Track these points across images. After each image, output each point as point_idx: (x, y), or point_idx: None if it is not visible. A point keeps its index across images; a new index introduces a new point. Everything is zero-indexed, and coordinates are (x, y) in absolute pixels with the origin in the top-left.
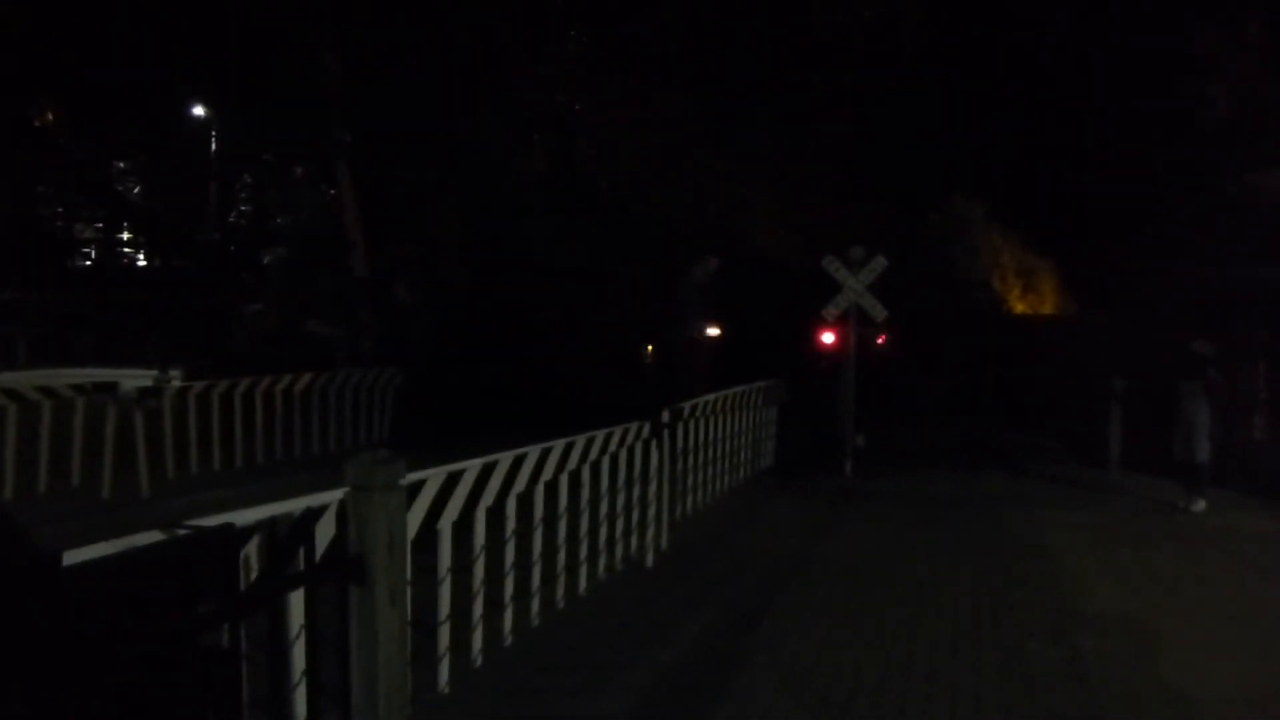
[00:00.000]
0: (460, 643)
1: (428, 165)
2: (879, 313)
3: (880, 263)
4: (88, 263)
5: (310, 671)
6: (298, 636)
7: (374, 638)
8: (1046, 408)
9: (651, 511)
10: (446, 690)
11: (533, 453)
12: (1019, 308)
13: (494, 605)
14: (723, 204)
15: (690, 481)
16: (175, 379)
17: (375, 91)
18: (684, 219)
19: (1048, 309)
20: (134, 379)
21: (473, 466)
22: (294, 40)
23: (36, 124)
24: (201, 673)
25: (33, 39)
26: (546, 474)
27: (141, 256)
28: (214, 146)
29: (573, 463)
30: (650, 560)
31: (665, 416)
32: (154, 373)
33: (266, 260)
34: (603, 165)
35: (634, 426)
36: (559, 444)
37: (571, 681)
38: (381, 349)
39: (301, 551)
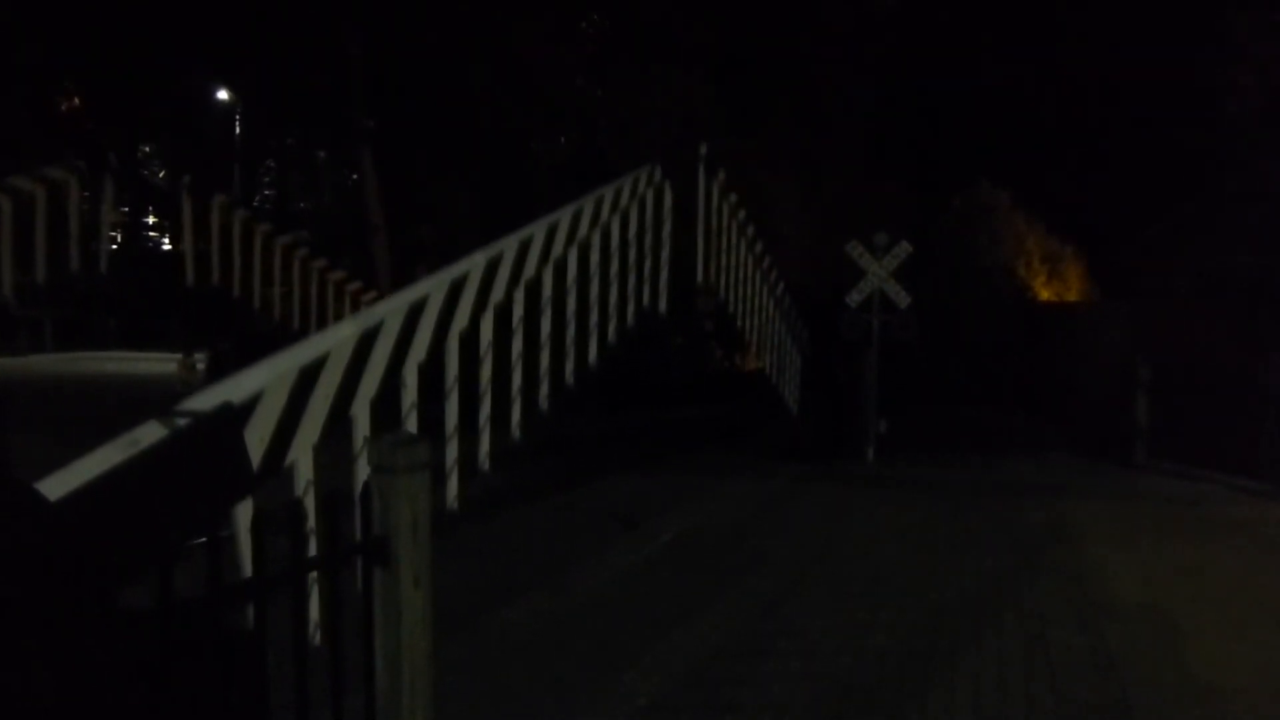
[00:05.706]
0: (469, 454)
1: (449, 149)
2: (902, 299)
3: (904, 249)
4: (113, 246)
5: (334, 650)
6: (332, 626)
7: (397, 620)
8: (1071, 395)
9: (665, 253)
10: (455, 507)
11: (539, 229)
12: (1044, 295)
13: (501, 404)
14: (744, 190)
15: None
16: (200, 362)
17: (397, 76)
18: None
19: (1073, 296)
20: (158, 362)
21: (476, 264)
22: (317, 25)
23: (63, 108)
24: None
25: (57, 24)
26: (556, 250)
27: (166, 240)
28: (238, 131)
29: (583, 230)
30: (663, 305)
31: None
32: (179, 356)
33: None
34: (624, 150)
35: (644, 172)
36: (566, 211)
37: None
38: None
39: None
